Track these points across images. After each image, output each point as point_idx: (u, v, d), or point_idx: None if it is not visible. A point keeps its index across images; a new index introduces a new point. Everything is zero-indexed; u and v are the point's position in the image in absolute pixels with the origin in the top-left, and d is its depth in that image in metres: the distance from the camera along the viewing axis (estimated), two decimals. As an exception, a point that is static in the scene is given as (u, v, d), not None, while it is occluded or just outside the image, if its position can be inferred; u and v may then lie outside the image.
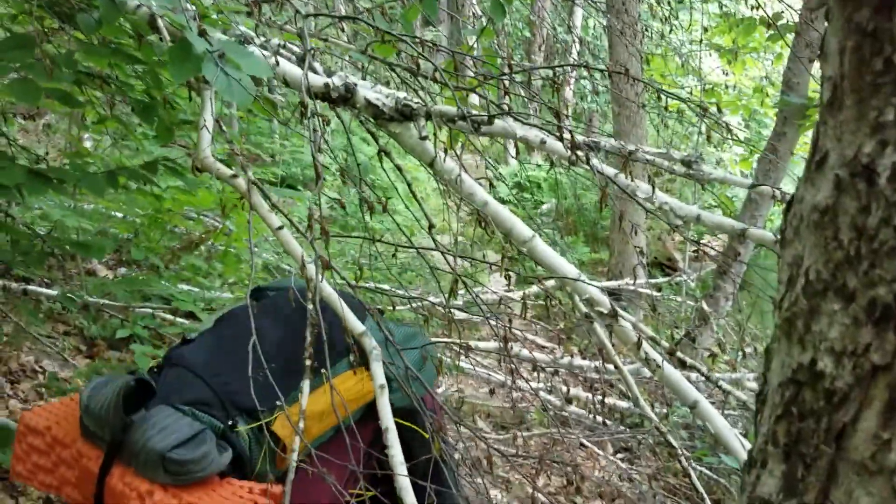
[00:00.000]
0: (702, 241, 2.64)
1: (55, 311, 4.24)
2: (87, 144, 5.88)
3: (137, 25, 2.28)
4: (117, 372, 3.32)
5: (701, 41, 6.03)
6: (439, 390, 4.59)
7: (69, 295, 3.15)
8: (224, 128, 2.33)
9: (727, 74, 7.10)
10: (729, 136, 2.70)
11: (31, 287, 4.00)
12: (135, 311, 4.09)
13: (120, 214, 5.01)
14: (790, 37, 5.22)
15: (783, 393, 0.80)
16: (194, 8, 2.14)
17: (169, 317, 4.15)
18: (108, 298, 4.17)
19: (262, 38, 2.48)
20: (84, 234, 4.34)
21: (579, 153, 1.94)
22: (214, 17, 2.33)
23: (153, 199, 3.95)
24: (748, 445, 2.15)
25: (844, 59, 0.71)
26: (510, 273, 2.10)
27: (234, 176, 2.16)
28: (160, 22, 2.24)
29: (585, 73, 10.60)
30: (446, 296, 1.96)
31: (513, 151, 12.59)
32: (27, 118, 6.86)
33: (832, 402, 0.73)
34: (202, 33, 1.58)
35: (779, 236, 2.16)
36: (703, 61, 7.04)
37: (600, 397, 2.49)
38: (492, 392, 2.94)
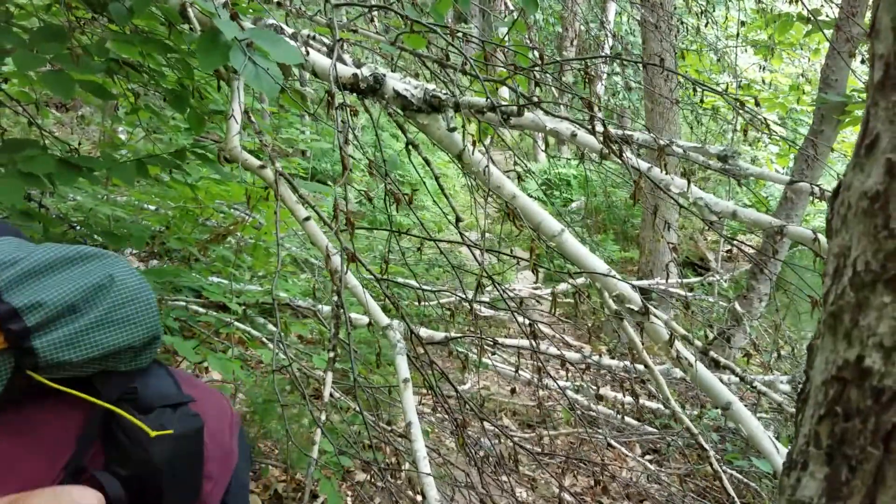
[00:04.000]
0: (736, 240, 2.58)
1: (87, 302, 4.27)
2: (122, 137, 5.96)
3: (168, 14, 2.28)
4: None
5: (737, 35, 5.91)
6: (465, 387, 4.57)
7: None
8: (253, 118, 2.32)
9: (763, 70, 6.96)
10: (767, 132, 2.63)
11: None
12: (168, 304, 4.12)
13: (153, 207, 5.06)
14: (829, 32, 5.09)
15: (827, 391, 0.75)
16: (224, -3, 2.14)
17: (200, 309, 4.18)
18: (139, 290, 4.20)
19: (292, 30, 2.47)
20: (118, 224, 4.39)
21: (612, 146, 1.89)
22: (245, 5, 2.32)
23: (186, 190, 3.97)
24: (782, 449, 2.09)
25: (899, 35, 0.66)
26: (538, 268, 2.06)
27: (262, 167, 2.15)
28: (190, 11, 2.24)
29: (617, 69, 10.49)
30: (473, 291, 1.92)
31: (542, 146, 12.51)
32: (61, 109, 6.97)
33: (880, 401, 0.69)
34: (234, 17, 1.57)
35: (817, 233, 2.08)
36: (739, 58, 6.90)
37: (630, 397, 2.43)
38: (513, 391, 2.90)
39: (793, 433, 0.89)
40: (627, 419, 4.39)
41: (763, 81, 7.42)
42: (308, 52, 2.17)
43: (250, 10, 2.37)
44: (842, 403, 0.72)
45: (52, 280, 1.05)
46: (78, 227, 3.28)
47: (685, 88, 6.96)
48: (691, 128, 6.73)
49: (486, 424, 2.36)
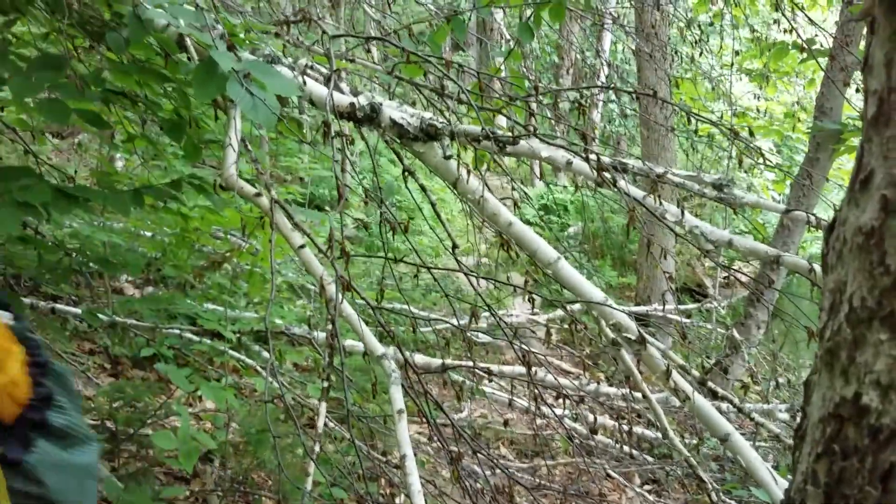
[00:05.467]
0: (733, 268, 2.58)
1: (81, 330, 4.27)
2: (119, 165, 5.97)
3: (166, 44, 2.30)
4: (141, 392, 3.32)
5: (732, 65, 5.97)
6: (461, 415, 4.53)
7: (92, 311, 3.16)
8: (249, 147, 2.33)
9: (758, 99, 7.02)
10: (761, 161, 2.63)
11: (58, 305, 4.04)
12: (162, 332, 4.10)
13: (149, 233, 5.05)
14: (823, 61, 5.15)
15: (824, 429, 0.74)
16: (221, 27, 2.15)
17: (195, 337, 4.15)
18: (134, 317, 4.20)
19: (290, 59, 2.48)
20: (114, 250, 4.38)
21: (606, 175, 1.90)
22: (242, 36, 2.33)
23: (181, 219, 3.98)
24: (780, 480, 2.07)
25: (892, 71, 0.66)
26: (534, 296, 2.05)
27: (258, 194, 2.15)
28: (188, 41, 2.25)
29: (613, 97, 10.56)
30: (467, 320, 1.91)
31: (538, 173, 12.58)
32: (58, 136, 6.98)
33: (878, 440, 0.68)
34: (231, 48, 1.57)
35: (813, 263, 2.08)
36: (734, 86, 6.96)
37: (627, 427, 2.41)
38: (506, 424, 2.87)
39: (791, 463, 0.88)
40: (626, 448, 4.35)
41: (758, 110, 7.46)
42: (305, 82, 2.18)
43: (247, 42, 2.38)
44: (839, 441, 0.71)
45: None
46: (74, 255, 3.27)
47: (680, 116, 7.00)
48: (687, 155, 6.77)
49: (484, 457, 2.34)
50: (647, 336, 1.99)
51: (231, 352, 4.10)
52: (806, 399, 0.81)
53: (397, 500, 3.42)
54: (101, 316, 3.48)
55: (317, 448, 1.66)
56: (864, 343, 0.70)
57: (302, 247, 2.05)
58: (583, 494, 3.70)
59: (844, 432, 0.73)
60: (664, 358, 2.04)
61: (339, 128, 1.92)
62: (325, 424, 3.59)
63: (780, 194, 8.95)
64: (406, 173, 2.39)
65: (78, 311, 3.94)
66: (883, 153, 0.67)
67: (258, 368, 4.01)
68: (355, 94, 2.33)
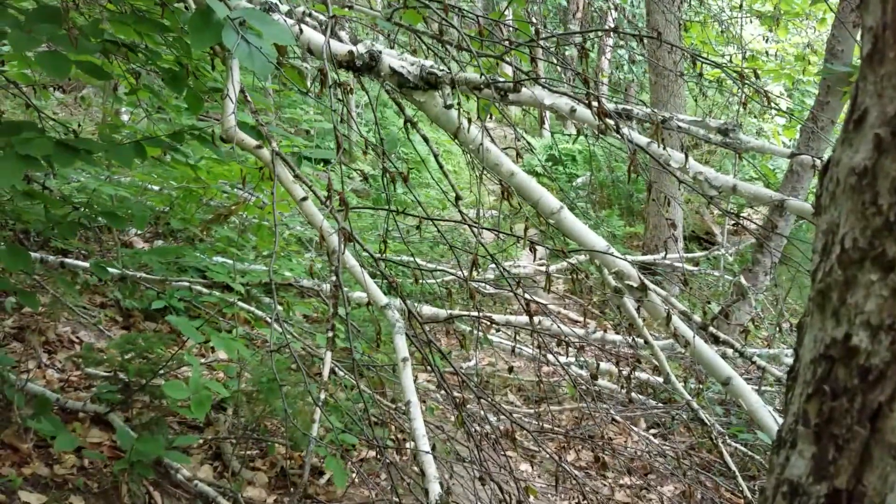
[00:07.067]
0: (741, 215, 2.56)
1: (91, 284, 4.32)
2: (125, 118, 5.94)
3: (162, -6, 2.26)
4: (153, 343, 3.37)
5: (741, 6, 5.83)
6: (469, 364, 4.59)
7: (100, 264, 3.19)
8: (249, 98, 2.31)
9: (768, 41, 6.88)
10: (768, 105, 2.59)
11: (67, 260, 4.08)
12: (172, 285, 4.14)
13: (156, 187, 5.06)
14: (834, 2, 5.03)
15: (815, 369, 0.75)
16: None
17: (205, 290, 4.19)
18: (143, 270, 4.24)
19: (287, 6, 2.44)
20: (121, 204, 4.39)
21: (608, 121, 1.88)
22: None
23: (188, 171, 3.97)
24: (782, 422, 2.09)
25: (887, 6, 0.65)
26: (535, 246, 2.05)
27: (259, 146, 2.14)
28: (184, -10, 2.22)
29: (622, 42, 10.36)
30: (468, 270, 1.92)
31: (547, 124, 12.44)
32: (61, 90, 6.94)
33: (867, 380, 0.68)
34: (220, -2, 1.55)
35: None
36: (744, 28, 6.81)
37: (626, 372, 2.43)
38: (510, 370, 2.90)
39: (784, 404, 0.89)
40: (631, 394, 4.40)
41: (767, 53, 7.32)
42: (302, 30, 2.15)
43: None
44: (829, 382, 0.72)
45: None
46: (81, 209, 3.29)
47: (689, 61, 6.87)
48: (696, 100, 6.67)
49: (487, 403, 2.38)
50: (648, 283, 1.99)
51: (241, 304, 4.14)
52: (798, 341, 0.82)
53: (408, 445, 3.48)
54: (109, 269, 3.50)
55: (322, 396, 1.69)
56: (856, 284, 0.70)
57: (304, 199, 2.05)
58: (588, 438, 3.76)
59: (835, 373, 0.73)
60: (665, 304, 2.04)
61: (336, 77, 1.89)
62: (336, 373, 3.65)
63: (790, 140, 8.85)
64: (408, 124, 2.37)
65: (86, 264, 3.98)
66: (877, 91, 0.66)
67: (268, 320, 4.05)
68: (355, 42, 2.29)
